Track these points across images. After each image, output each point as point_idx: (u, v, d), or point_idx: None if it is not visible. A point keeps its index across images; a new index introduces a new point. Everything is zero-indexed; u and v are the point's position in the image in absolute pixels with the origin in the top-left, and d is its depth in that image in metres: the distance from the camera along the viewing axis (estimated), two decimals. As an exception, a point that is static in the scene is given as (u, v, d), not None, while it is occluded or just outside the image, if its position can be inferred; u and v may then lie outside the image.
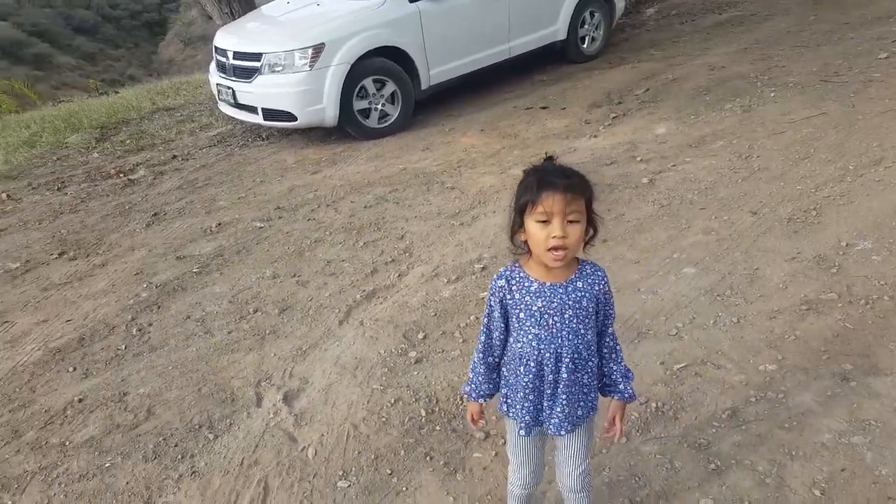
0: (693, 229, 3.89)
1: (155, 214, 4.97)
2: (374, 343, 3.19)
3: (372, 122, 6.13)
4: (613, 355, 1.77)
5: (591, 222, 1.60)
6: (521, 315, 1.64)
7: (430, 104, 6.62)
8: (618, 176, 4.67)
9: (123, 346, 3.37)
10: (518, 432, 1.78)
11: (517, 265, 1.66)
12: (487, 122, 6.23)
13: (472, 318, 3.28)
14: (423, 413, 2.70)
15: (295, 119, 5.83)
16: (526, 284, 1.63)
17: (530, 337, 1.65)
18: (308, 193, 5.08)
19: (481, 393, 1.79)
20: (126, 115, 7.90)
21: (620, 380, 1.77)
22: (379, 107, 6.11)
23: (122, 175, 5.91)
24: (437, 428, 2.62)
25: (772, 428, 2.47)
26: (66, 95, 13.35)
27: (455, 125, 6.26)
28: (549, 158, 1.63)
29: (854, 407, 2.51)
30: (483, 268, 3.71)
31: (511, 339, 1.70)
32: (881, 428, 2.40)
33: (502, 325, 1.68)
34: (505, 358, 1.75)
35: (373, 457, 2.51)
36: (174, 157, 6.28)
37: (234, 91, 6.06)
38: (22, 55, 34.99)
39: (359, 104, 5.97)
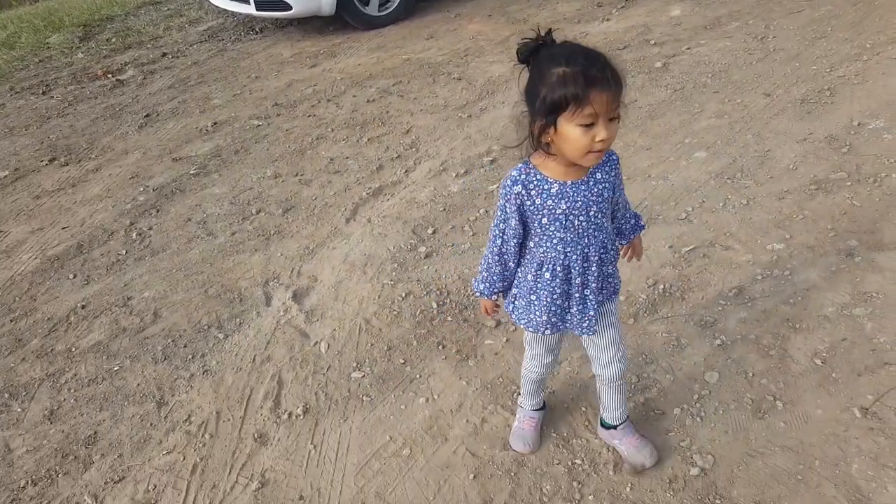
0: (706, 113, 3.79)
1: (147, 116, 4.85)
2: (383, 239, 3.18)
3: (372, 9, 5.85)
4: (627, 210, 1.73)
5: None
6: (545, 220, 1.51)
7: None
8: (631, 61, 4.52)
9: (124, 251, 3.35)
10: (543, 332, 1.72)
11: (531, 165, 1.49)
12: (495, 7, 5.97)
13: (481, 211, 3.26)
14: (435, 305, 2.73)
15: (289, 8, 5.56)
16: (545, 187, 1.48)
17: (555, 241, 1.54)
18: (307, 88, 4.93)
19: (496, 290, 1.70)
20: (110, 11, 7.56)
21: (634, 220, 1.76)
22: (379, -8, 5.82)
23: (109, 76, 5.72)
24: (449, 318, 2.65)
25: (777, 304, 2.49)
26: (44, -6, 12.72)
27: (461, 11, 5.99)
28: (549, 32, 1.40)
29: (857, 281, 2.53)
30: (492, 160, 3.65)
31: (531, 244, 1.59)
32: (882, 299, 2.43)
33: (521, 230, 1.55)
34: (522, 260, 1.65)
35: (386, 348, 2.56)
36: (164, 54, 6.05)
37: (222, -21, 5.77)
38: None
39: (357, -10, 5.68)
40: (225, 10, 6.23)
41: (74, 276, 3.22)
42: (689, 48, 4.55)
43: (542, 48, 1.38)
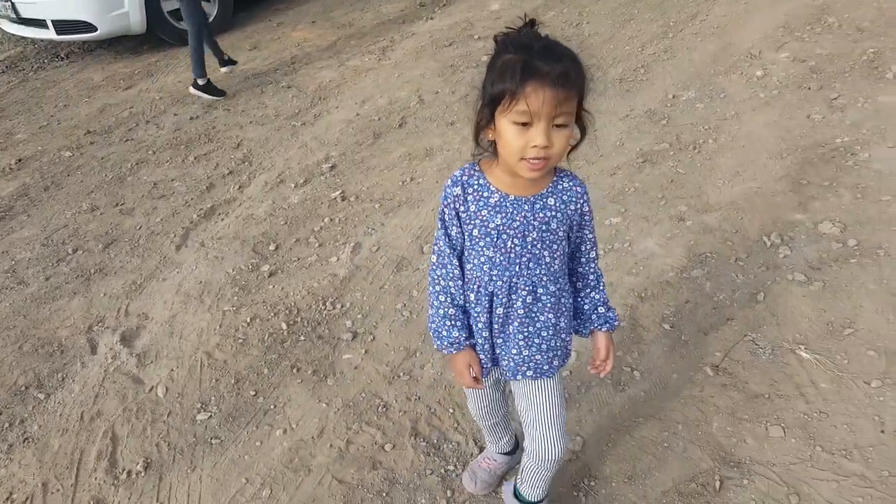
0: (533, 100, 3.88)
1: (-63, 160, 4.24)
2: (220, 263, 2.94)
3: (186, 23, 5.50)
4: (595, 284, 1.45)
5: (580, 120, 1.22)
6: (475, 232, 1.31)
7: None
8: (458, 57, 4.56)
9: (-81, 315, 2.89)
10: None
11: (476, 168, 1.31)
12: (319, 12, 5.87)
13: (326, 220, 3.10)
14: (285, 326, 2.55)
15: (95, 29, 5.12)
16: (485, 195, 1.28)
17: (482, 260, 1.33)
18: (122, 112, 4.54)
19: (462, 339, 1.40)
20: None
21: (604, 309, 1.46)
22: (192, 5, 5.49)
23: None
24: (301, 338, 2.49)
25: (621, 276, 2.55)
26: None
27: (283, 19, 5.83)
28: (531, 23, 1.18)
29: (691, 244, 2.65)
30: (332, 167, 3.49)
31: (464, 259, 1.38)
32: (716, 258, 2.56)
33: (462, 241, 1.34)
34: None
35: (233, 381, 2.34)
36: (-48, 91, 5.36)
37: (13, 3, 5.18)
38: None
39: (168, 4, 5.34)
40: (23, 37, 5.62)
41: None
42: (511, 40, 4.68)
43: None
